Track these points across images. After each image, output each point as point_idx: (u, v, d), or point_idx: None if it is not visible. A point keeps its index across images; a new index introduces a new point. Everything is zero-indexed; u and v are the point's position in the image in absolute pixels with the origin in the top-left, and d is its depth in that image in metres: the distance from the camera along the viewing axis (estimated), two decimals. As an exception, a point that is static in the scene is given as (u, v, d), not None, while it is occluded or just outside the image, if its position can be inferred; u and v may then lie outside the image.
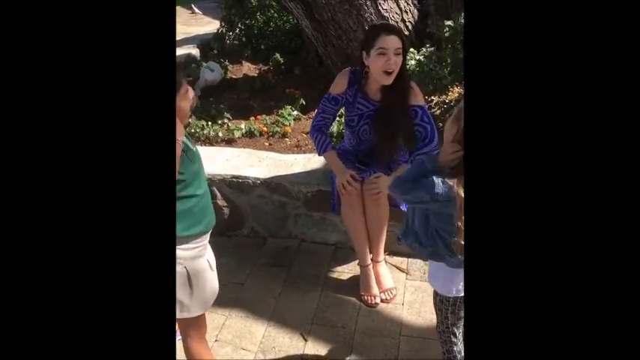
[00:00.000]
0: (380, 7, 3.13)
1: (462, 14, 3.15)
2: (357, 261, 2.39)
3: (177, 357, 1.59)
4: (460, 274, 1.42)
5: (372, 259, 2.22)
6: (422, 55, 2.79)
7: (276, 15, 4.61)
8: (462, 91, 2.90)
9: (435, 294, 1.54)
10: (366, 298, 2.18)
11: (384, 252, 2.26)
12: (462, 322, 1.53)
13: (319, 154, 2.26)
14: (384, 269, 2.24)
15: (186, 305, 1.51)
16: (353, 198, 2.11)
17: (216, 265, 1.60)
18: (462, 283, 1.44)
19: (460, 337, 1.55)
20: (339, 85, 2.18)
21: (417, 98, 2.13)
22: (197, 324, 1.60)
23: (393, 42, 1.98)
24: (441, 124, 2.61)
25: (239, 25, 4.63)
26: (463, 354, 1.57)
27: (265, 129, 3.08)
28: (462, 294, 1.46)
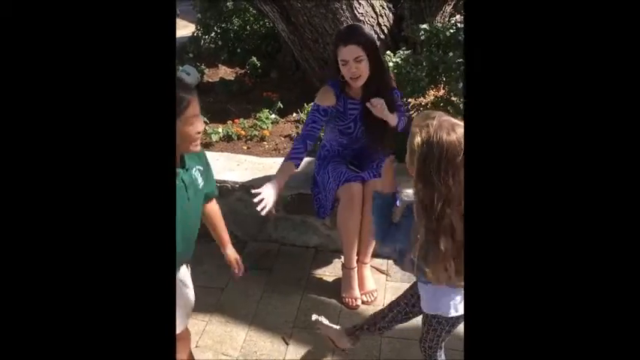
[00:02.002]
0: (356, 11, 3.15)
1: (436, 19, 3.21)
2: (337, 263, 2.40)
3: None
4: (451, 292, 1.40)
5: (357, 261, 2.23)
6: (399, 57, 2.82)
7: (252, 19, 4.60)
8: (437, 93, 2.94)
9: (433, 317, 1.48)
10: (347, 300, 2.19)
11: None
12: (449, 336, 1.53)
13: (284, 160, 2.21)
14: (368, 271, 2.26)
15: None
16: (354, 200, 2.11)
17: (197, 271, 1.60)
18: (454, 302, 1.42)
19: (443, 344, 1.55)
20: (328, 98, 2.17)
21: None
22: (182, 337, 1.59)
23: (351, 52, 2.02)
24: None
25: (215, 29, 4.60)
26: (443, 357, 1.58)
27: (243, 132, 3.07)
28: (460, 312, 1.43)
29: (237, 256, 1.72)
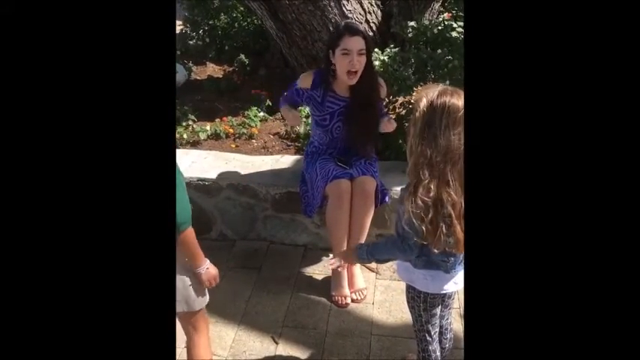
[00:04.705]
0: (344, 8, 3.14)
1: (424, 16, 3.20)
2: (327, 262, 2.39)
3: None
4: (426, 274, 1.44)
5: None
6: (386, 55, 2.82)
7: (240, 16, 4.57)
8: (417, 91, 2.94)
9: (407, 291, 1.54)
10: (336, 298, 2.18)
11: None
12: (436, 320, 1.55)
13: (279, 106, 2.33)
14: (357, 269, 2.25)
15: (184, 298, 1.52)
16: (343, 197, 2.11)
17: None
18: (435, 281, 1.45)
19: (435, 336, 1.56)
20: (304, 81, 2.24)
21: (382, 94, 2.28)
22: (201, 318, 1.61)
23: (356, 43, 2.05)
24: (406, 124, 2.64)
25: (202, 26, 4.57)
26: (438, 353, 1.59)
27: (231, 130, 3.05)
28: (435, 291, 1.47)
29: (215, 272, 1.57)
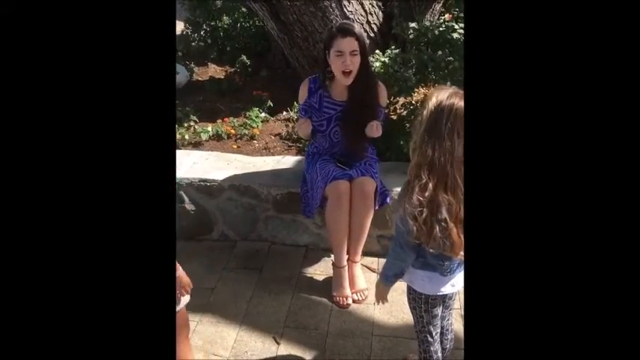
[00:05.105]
0: (345, 9, 3.15)
1: (425, 17, 3.21)
2: (328, 262, 2.39)
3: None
4: (424, 275, 1.44)
5: (348, 260, 2.23)
6: (387, 56, 2.82)
7: (241, 17, 4.58)
8: (427, 92, 2.94)
9: (408, 292, 1.54)
10: (338, 299, 2.18)
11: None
12: (437, 320, 1.54)
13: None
14: (358, 270, 2.25)
15: None
16: (342, 198, 2.12)
17: (186, 271, 1.58)
18: (432, 283, 1.45)
19: (437, 337, 1.56)
20: (301, 95, 2.29)
21: (382, 99, 2.26)
22: (179, 322, 1.58)
23: (348, 44, 2.08)
24: (407, 125, 2.64)
25: (204, 27, 4.58)
26: (439, 354, 1.59)
27: (233, 131, 3.06)
28: (432, 293, 1.47)
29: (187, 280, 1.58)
